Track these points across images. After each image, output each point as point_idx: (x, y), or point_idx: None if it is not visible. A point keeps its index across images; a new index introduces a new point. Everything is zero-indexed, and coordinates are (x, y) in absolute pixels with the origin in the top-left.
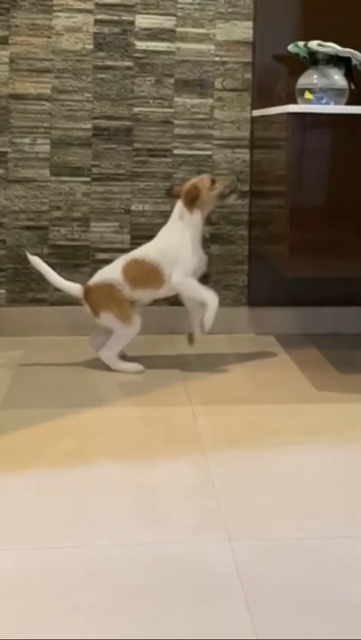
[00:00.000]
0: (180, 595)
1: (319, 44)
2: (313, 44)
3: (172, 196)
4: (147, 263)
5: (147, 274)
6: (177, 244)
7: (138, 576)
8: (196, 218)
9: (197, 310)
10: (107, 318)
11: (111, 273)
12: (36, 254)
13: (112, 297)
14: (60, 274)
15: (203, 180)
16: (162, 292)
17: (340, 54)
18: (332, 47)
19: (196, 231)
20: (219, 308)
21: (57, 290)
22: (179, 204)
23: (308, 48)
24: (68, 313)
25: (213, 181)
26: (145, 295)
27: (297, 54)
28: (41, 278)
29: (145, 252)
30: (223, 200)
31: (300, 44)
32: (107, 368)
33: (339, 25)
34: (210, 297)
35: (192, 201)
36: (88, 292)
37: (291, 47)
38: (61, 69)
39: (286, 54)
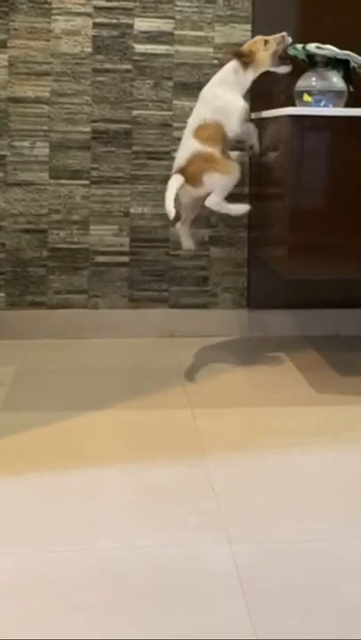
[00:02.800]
0: (180, 597)
1: (318, 47)
2: (311, 47)
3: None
4: (211, 123)
5: (214, 130)
6: (229, 97)
7: (138, 578)
8: (249, 76)
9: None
10: (211, 179)
11: (189, 148)
12: (35, 257)
13: (205, 160)
14: (59, 277)
15: (256, 42)
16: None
17: (338, 57)
18: (330, 50)
19: (244, 90)
20: (218, 311)
21: (56, 292)
22: (233, 62)
23: (307, 51)
24: (67, 316)
25: (266, 41)
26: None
27: (295, 57)
28: (40, 281)
29: (201, 116)
30: (276, 59)
31: (299, 46)
32: (106, 369)
33: (337, 27)
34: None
35: (247, 64)
36: (184, 171)
37: (290, 50)
38: (60, 72)
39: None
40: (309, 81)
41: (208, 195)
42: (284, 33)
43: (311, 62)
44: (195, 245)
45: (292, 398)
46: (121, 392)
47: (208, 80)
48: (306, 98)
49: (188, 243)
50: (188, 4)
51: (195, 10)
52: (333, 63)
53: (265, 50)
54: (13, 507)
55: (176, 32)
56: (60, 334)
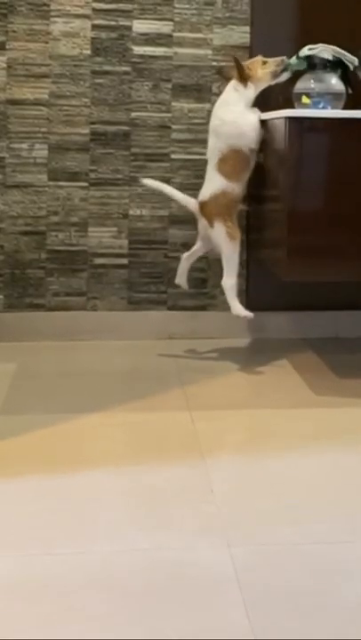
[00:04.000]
0: (179, 599)
1: (309, 48)
2: (304, 51)
3: (223, 76)
4: (228, 153)
5: (235, 161)
6: (234, 117)
7: (137, 581)
8: (250, 92)
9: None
10: (219, 230)
11: (215, 183)
12: (34, 259)
13: (225, 205)
14: (57, 279)
15: (255, 62)
16: (251, 165)
17: (330, 58)
18: (321, 49)
19: (249, 104)
20: (216, 313)
21: (55, 294)
22: (232, 82)
23: (299, 59)
24: (66, 318)
25: (265, 62)
26: (245, 179)
27: (298, 70)
28: (39, 283)
29: (217, 149)
30: (276, 78)
31: (293, 59)
32: (105, 371)
33: (336, 29)
34: None
35: (246, 79)
36: (203, 205)
37: (293, 64)
38: (59, 74)
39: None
40: (308, 83)
41: (214, 240)
42: (284, 57)
43: (310, 64)
44: (187, 286)
45: (290, 400)
46: (120, 394)
47: (207, 82)
48: (304, 100)
49: (182, 279)
50: (186, 6)
51: (193, 12)
52: (332, 65)
53: (263, 69)
54: (12, 509)
55: (175, 34)
56: (59, 336)
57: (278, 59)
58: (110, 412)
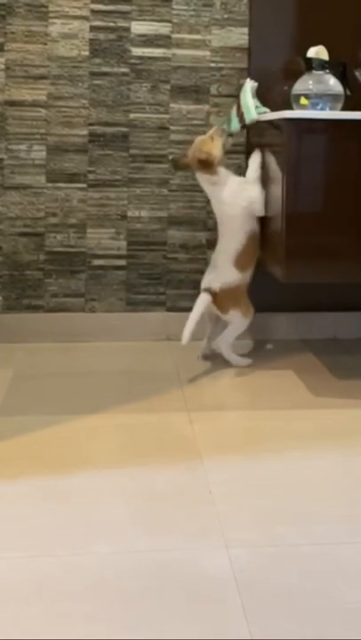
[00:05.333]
0: (177, 602)
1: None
2: (233, 117)
3: (180, 168)
4: (247, 243)
5: (251, 249)
6: (235, 202)
7: (135, 583)
8: (220, 172)
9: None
10: (234, 314)
11: (229, 277)
12: (33, 261)
13: (241, 293)
14: (56, 280)
15: (205, 144)
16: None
17: (313, 57)
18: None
19: (232, 177)
20: None
21: (53, 296)
22: (201, 176)
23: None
24: (65, 319)
25: (211, 137)
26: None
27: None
28: (37, 285)
29: (236, 243)
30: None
31: (228, 123)
32: (103, 373)
33: (334, 30)
34: None
35: (211, 166)
36: (215, 295)
37: (233, 129)
38: (57, 76)
39: (282, 60)
40: (306, 84)
41: (227, 320)
42: (221, 127)
43: (308, 66)
44: (187, 341)
45: (289, 402)
46: (118, 395)
47: (205, 83)
48: (303, 101)
49: (186, 336)
50: (185, 7)
51: (192, 13)
52: (331, 66)
53: (215, 146)
54: (10, 511)
55: (173, 35)
56: (57, 338)
57: (218, 129)
58: (109, 414)
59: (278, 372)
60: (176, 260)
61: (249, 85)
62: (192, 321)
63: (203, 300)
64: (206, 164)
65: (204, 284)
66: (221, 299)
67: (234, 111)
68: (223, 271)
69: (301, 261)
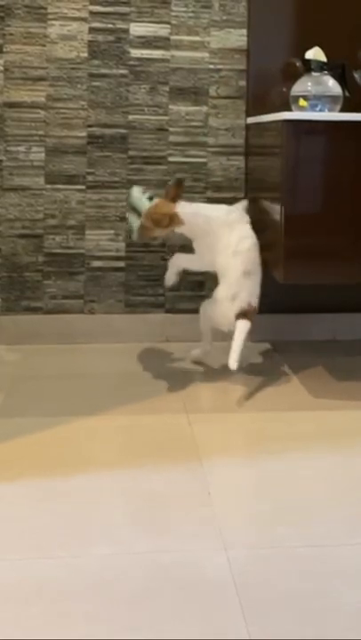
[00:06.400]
0: (176, 603)
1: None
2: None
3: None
4: (244, 258)
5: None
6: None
7: (134, 584)
8: (187, 217)
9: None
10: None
11: (248, 296)
12: (31, 262)
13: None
14: (55, 282)
15: (162, 206)
16: None
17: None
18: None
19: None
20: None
21: (52, 297)
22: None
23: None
24: (63, 321)
25: (163, 203)
26: None
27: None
28: (36, 286)
29: (248, 296)
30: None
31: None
32: (102, 374)
33: (332, 31)
34: None
35: (178, 223)
36: (248, 311)
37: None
38: (56, 77)
39: (280, 61)
40: (305, 86)
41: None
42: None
43: (307, 67)
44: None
45: (288, 403)
46: (117, 397)
47: (204, 85)
48: (302, 103)
49: (235, 364)
50: (183, 9)
51: (190, 15)
52: (329, 68)
53: (170, 203)
54: (9, 512)
55: (172, 37)
56: (56, 339)
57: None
58: (108, 415)
59: (277, 374)
60: None
61: (136, 191)
62: (239, 349)
63: (246, 326)
64: (172, 224)
65: (239, 310)
66: (253, 312)
67: (132, 218)
68: (250, 288)
69: (300, 262)
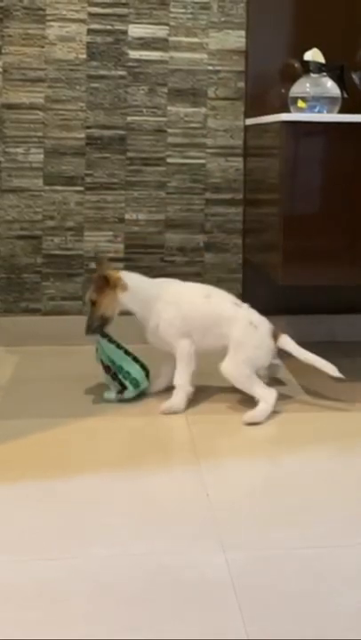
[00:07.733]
0: (175, 605)
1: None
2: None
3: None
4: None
5: None
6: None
7: (132, 586)
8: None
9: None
10: None
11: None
12: (30, 264)
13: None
14: (53, 283)
15: (111, 274)
16: None
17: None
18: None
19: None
20: None
21: (51, 299)
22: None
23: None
24: (62, 322)
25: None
26: None
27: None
28: (35, 288)
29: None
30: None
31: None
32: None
33: (331, 32)
34: None
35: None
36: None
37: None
38: (55, 79)
39: (279, 63)
40: (304, 87)
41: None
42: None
43: (305, 68)
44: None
45: (287, 404)
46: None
47: (202, 86)
48: (300, 104)
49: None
50: (182, 10)
51: (189, 16)
52: (328, 69)
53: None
54: (8, 514)
55: (170, 38)
56: (55, 341)
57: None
58: (107, 416)
59: (277, 375)
60: (173, 263)
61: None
62: (314, 356)
63: (288, 338)
64: (118, 286)
65: (270, 331)
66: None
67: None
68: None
69: (299, 264)
